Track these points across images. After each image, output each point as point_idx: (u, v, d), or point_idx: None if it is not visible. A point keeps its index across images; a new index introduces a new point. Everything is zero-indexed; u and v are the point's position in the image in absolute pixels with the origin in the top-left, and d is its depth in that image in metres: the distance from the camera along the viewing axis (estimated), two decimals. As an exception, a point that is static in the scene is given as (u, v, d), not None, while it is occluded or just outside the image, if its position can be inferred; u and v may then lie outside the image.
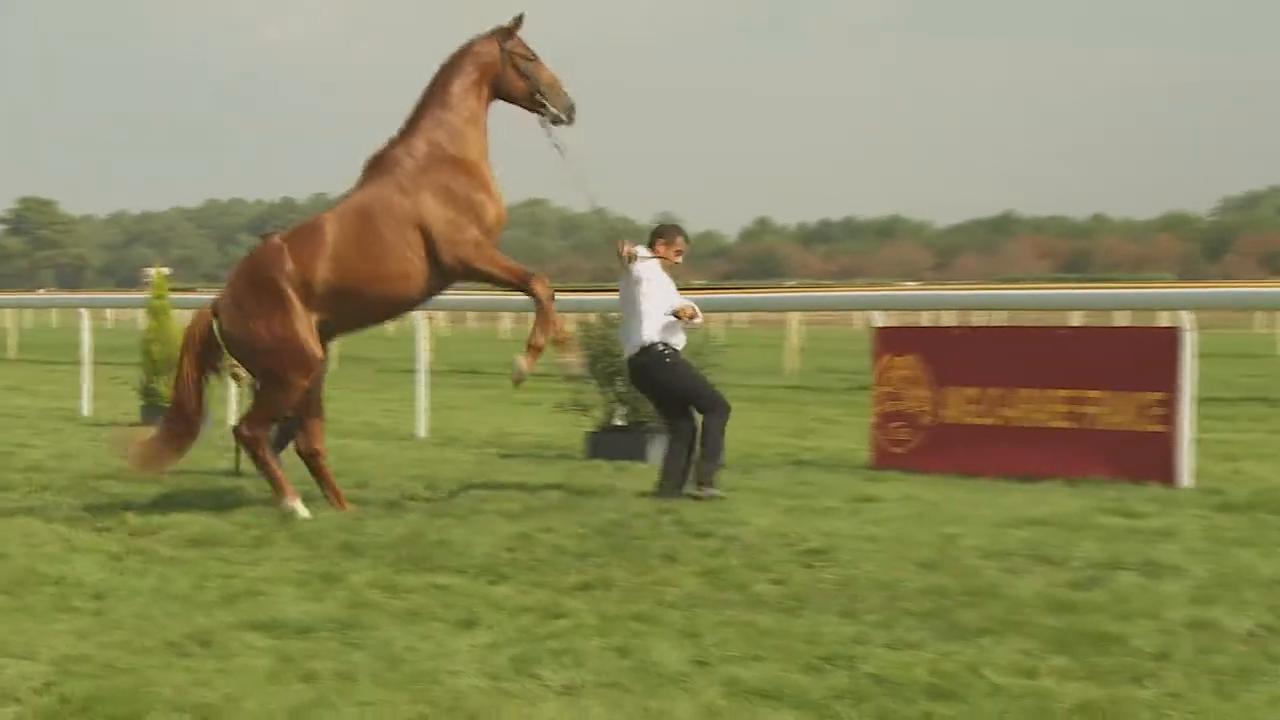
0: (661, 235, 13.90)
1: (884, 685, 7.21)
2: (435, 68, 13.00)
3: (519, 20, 13.00)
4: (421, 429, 19.66)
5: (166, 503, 13.17)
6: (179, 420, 13.03)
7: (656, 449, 15.56)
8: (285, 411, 12.87)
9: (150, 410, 21.06)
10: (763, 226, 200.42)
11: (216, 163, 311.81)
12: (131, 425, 12.29)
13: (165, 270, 26.12)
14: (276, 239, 12.68)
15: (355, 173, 12.88)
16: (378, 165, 12.76)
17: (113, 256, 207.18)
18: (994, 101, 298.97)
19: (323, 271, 12.36)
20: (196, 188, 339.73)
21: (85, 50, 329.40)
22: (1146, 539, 11.01)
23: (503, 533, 11.43)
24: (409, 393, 20.54)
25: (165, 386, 20.84)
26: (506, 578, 9.91)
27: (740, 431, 19.33)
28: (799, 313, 40.73)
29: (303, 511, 12.33)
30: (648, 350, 13.34)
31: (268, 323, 12.40)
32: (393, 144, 12.80)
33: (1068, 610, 8.72)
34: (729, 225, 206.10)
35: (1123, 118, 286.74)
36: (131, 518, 12.35)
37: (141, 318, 22.94)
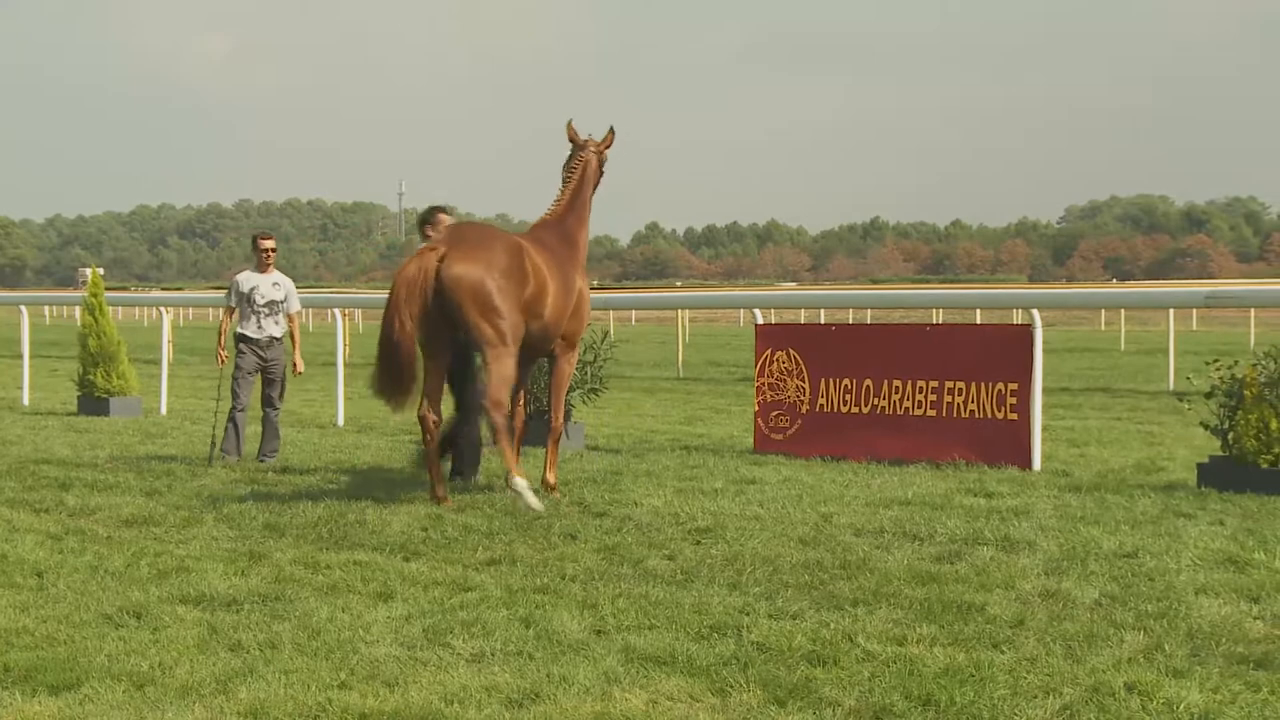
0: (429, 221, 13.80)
1: (767, 652, 7.23)
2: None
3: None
4: (340, 417, 19.52)
5: (102, 486, 13.00)
6: (394, 376, 11.89)
7: (568, 436, 15.44)
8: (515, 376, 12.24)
9: (86, 400, 20.80)
10: (653, 231, 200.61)
11: (145, 169, 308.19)
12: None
13: (100, 270, 25.83)
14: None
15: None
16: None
17: (50, 258, 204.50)
18: (861, 119, 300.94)
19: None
20: (127, 193, 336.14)
21: (20, 60, 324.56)
22: (1003, 517, 11.11)
23: (416, 513, 11.37)
24: (329, 384, 20.39)
25: (101, 378, 20.62)
26: (420, 554, 9.85)
27: (634, 419, 19.36)
28: (687, 310, 40.82)
29: (532, 500, 11.62)
30: None
31: (519, 295, 11.99)
32: None
33: (933, 582, 8.78)
34: (622, 230, 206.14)
35: (978, 134, 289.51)
36: (70, 500, 12.19)
37: (79, 314, 22.57)
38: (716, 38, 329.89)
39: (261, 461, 14.80)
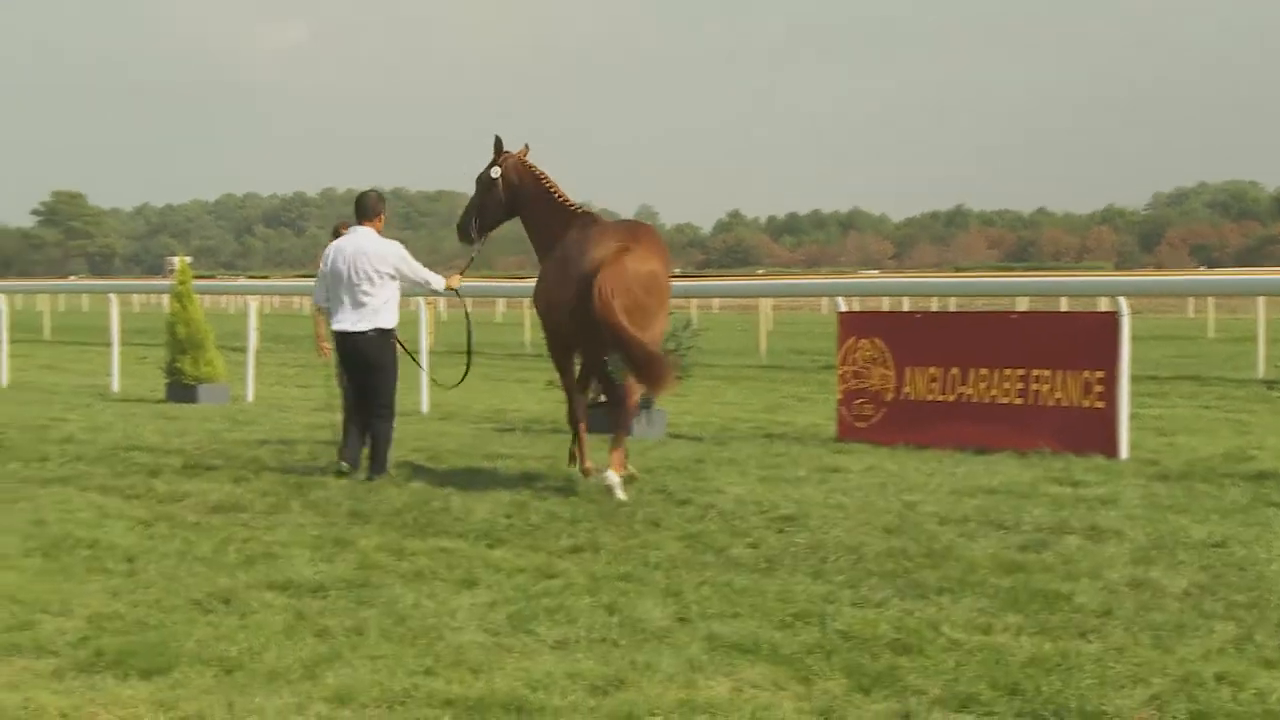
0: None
1: (851, 640, 7.22)
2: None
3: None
4: (424, 405, 19.62)
5: (191, 473, 13.14)
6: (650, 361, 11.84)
7: (640, 424, 15.51)
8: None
9: (174, 387, 21.02)
10: (735, 219, 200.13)
11: (233, 158, 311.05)
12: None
13: (187, 259, 26.09)
14: None
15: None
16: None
17: (138, 246, 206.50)
18: (946, 106, 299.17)
19: None
20: (214, 182, 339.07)
21: (108, 55, 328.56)
22: (1090, 506, 11.02)
23: (500, 500, 11.42)
24: (412, 371, 20.49)
25: (189, 365, 20.86)
26: (504, 541, 9.90)
27: (716, 407, 19.35)
28: (770, 298, 40.70)
29: (619, 491, 11.70)
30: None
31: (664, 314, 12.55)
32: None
33: (1019, 571, 8.72)
34: (704, 218, 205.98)
35: (1064, 121, 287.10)
36: (159, 486, 12.33)
37: (166, 302, 22.81)
38: (793, 24, 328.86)
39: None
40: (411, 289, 14.26)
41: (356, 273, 12.83)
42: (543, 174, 13.20)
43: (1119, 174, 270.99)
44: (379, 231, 13.09)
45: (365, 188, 13.59)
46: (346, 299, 12.87)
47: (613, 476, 11.74)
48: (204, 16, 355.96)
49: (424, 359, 20.05)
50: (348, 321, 12.90)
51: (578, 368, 12.96)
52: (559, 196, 13.17)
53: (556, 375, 13.20)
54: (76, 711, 6.31)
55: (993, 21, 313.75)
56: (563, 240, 12.73)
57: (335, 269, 12.93)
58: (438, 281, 13.60)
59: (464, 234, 13.54)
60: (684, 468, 13.17)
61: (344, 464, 13.02)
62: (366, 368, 12.99)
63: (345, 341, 13.00)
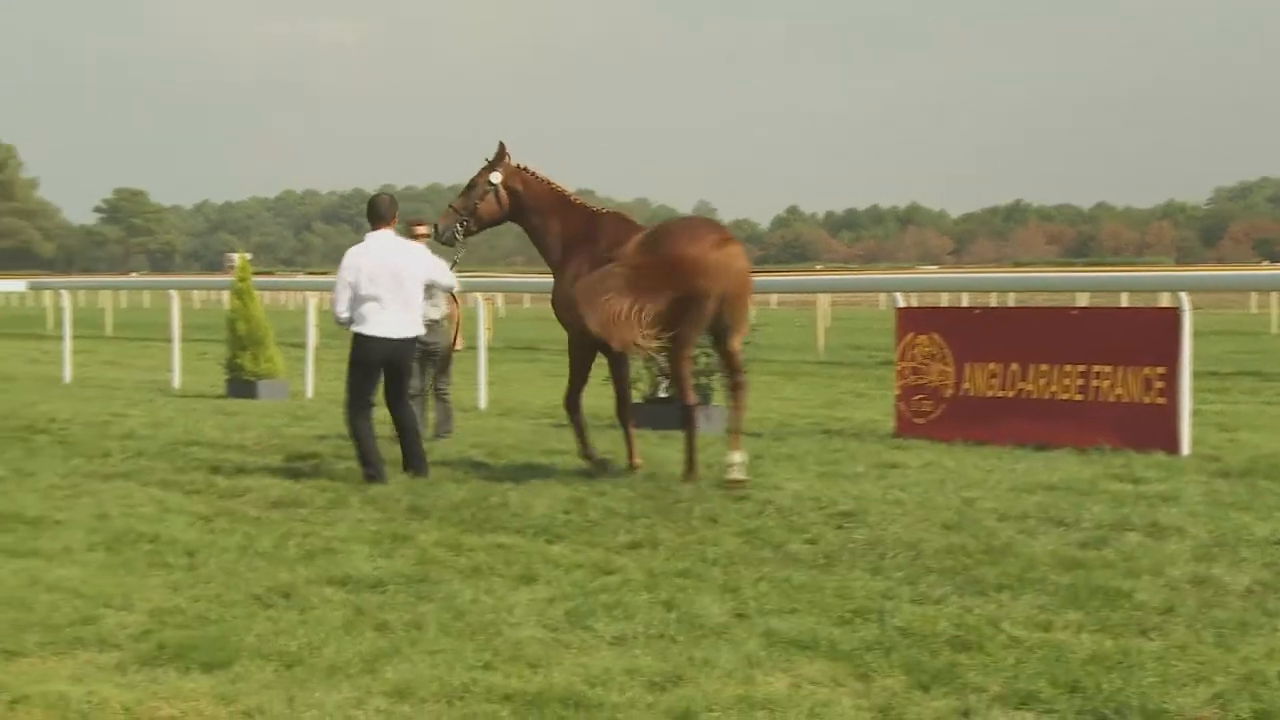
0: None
1: (910, 637, 7.19)
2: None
3: None
4: (482, 401, 19.67)
5: (251, 468, 13.22)
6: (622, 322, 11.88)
7: (699, 419, 15.46)
8: None
9: (235, 383, 21.17)
10: (793, 214, 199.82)
11: (290, 155, 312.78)
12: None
13: (247, 255, 26.24)
14: None
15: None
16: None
17: (198, 243, 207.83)
18: (1004, 101, 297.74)
19: None
20: (273, 179, 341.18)
21: (169, 53, 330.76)
22: (1151, 502, 10.94)
23: (558, 496, 11.44)
24: (470, 367, 20.53)
25: (249, 361, 21.00)
26: (562, 537, 9.91)
27: (774, 403, 19.31)
28: (828, 294, 40.62)
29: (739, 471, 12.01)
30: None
31: None
32: None
33: (1079, 568, 8.67)
34: (761, 214, 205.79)
35: (1124, 115, 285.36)
36: (220, 481, 12.41)
37: (226, 298, 22.96)
38: (855, 18, 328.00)
39: (439, 439, 15.32)
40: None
41: (401, 278, 12.53)
42: (547, 178, 13.39)
43: (1180, 168, 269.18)
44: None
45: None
46: (393, 304, 12.50)
47: (737, 456, 11.99)
48: (263, 15, 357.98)
49: (482, 354, 20.12)
50: (397, 328, 12.53)
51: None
52: (575, 200, 13.34)
53: (572, 375, 13.31)
54: (139, 705, 6.36)
55: (1053, 13, 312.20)
56: (591, 241, 12.90)
57: (374, 274, 12.44)
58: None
59: (447, 238, 13.46)
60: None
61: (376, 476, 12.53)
62: (400, 371, 12.76)
63: (387, 347, 12.51)
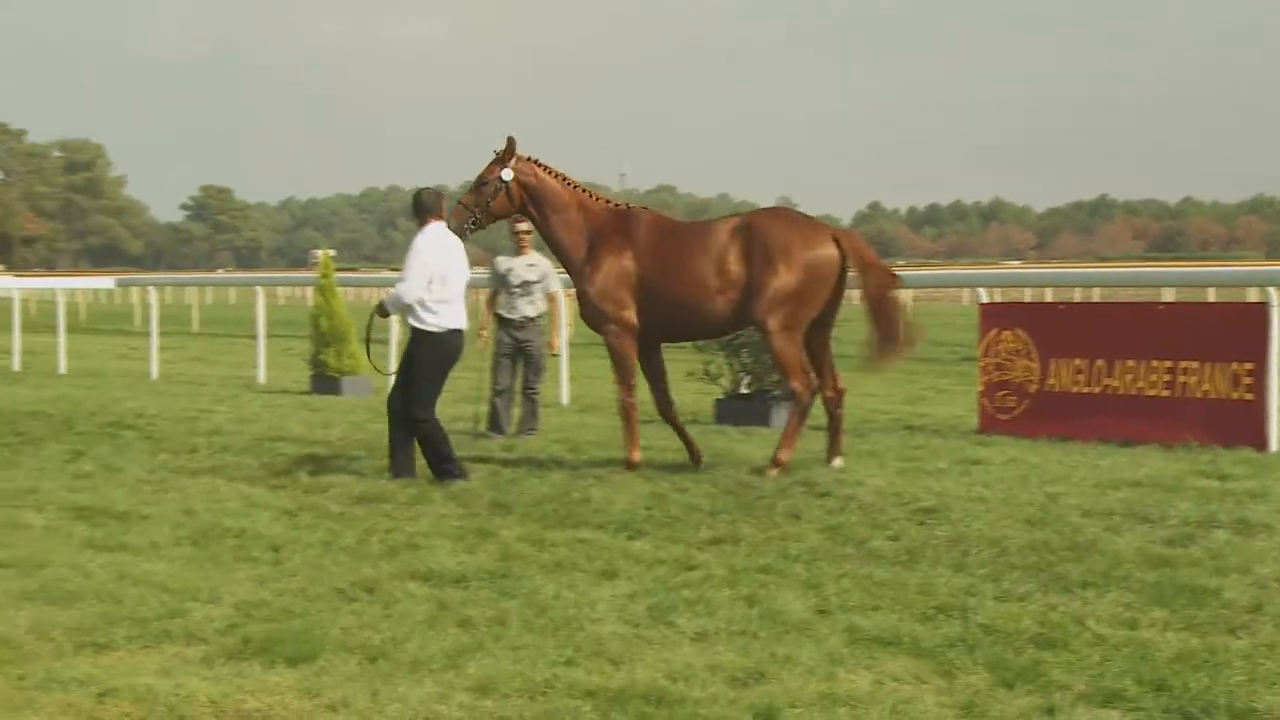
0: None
1: (994, 634, 7.15)
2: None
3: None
4: (564, 397, 19.71)
5: (335, 464, 13.31)
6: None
7: (780, 415, 15.50)
8: None
9: (319, 379, 21.31)
10: (875, 210, 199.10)
11: (374, 152, 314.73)
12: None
13: (331, 252, 26.44)
14: None
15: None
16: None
17: (283, 239, 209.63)
18: (1090, 94, 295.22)
19: None
20: (357, 176, 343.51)
21: (258, 49, 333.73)
22: (1238, 499, 10.82)
23: (640, 492, 11.44)
24: (553, 364, 20.58)
25: (332, 358, 21.14)
26: (643, 533, 9.92)
27: (856, 399, 19.22)
28: (910, 290, 40.36)
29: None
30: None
31: None
32: None
33: (1165, 565, 8.59)
34: (843, 210, 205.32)
35: (1210, 109, 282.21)
36: (304, 477, 12.49)
37: (311, 295, 23.13)
38: (935, 13, 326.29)
39: (523, 436, 15.46)
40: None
41: (462, 271, 12.52)
42: (561, 174, 13.25)
43: (1268, 162, 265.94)
44: None
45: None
46: (459, 299, 12.48)
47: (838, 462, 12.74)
48: (347, 13, 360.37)
49: (564, 350, 20.16)
50: (460, 320, 12.49)
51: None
52: (595, 197, 13.24)
53: (625, 372, 13.15)
54: (225, 698, 6.42)
55: (1143, 6, 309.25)
56: (624, 238, 12.85)
57: (451, 265, 12.42)
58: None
59: (456, 234, 13.03)
60: (824, 459, 13.11)
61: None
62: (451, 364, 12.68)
63: (456, 339, 12.44)
